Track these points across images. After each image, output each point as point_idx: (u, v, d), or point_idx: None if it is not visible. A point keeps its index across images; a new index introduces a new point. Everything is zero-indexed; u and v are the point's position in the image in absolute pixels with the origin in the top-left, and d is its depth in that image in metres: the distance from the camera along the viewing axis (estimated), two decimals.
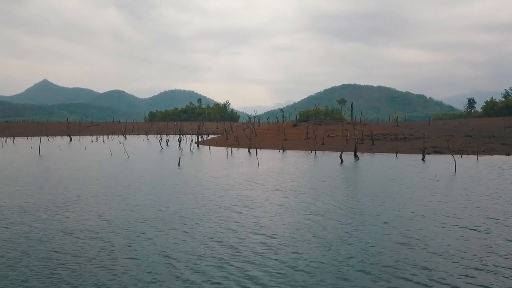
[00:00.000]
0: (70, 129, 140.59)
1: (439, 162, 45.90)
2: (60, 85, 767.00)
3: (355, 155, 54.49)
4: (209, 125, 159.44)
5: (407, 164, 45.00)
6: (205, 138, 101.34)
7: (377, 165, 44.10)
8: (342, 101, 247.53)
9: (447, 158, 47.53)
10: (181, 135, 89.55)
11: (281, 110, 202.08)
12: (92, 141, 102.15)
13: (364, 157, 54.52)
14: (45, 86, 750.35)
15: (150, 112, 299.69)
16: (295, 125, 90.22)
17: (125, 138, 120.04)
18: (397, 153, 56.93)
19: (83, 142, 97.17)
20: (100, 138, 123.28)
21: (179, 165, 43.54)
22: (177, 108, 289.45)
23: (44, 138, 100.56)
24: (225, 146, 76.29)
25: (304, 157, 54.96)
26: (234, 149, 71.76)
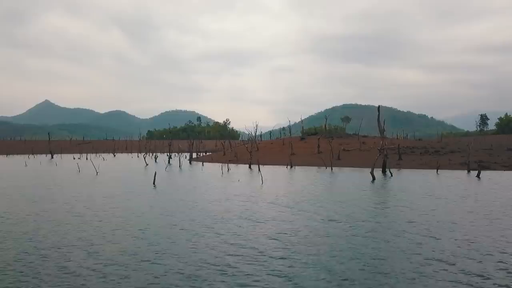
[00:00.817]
0: (61, 147, 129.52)
1: (504, 180, 33.95)
2: (62, 105, 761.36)
3: (384, 171, 42.61)
4: (208, 143, 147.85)
5: (461, 182, 33.10)
6: (202, 155, 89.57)
7: (424, 184, 32.13)
8: (346, 119, 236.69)
9: (504, 175, 35.74)
10: (171, 152, 77.70)
11: (283, 128, 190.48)
12: (74, 158, 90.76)
13: (396, 174, 42.49)
14: (46, 106, 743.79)
15: (148, 131, 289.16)
16: (302, 139, 78.58)
17: (114, 156, 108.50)
18: (437, 168, 44.83)
19: (64, 160, 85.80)
20: (88, 156, 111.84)
21: (154, 183, 31.68)
22: (176, 127, 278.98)
23: (25, 156, 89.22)
24: (222, 162, 64.60)
25: (320, 174, 43.08)
26: (232, 166, 59.97)
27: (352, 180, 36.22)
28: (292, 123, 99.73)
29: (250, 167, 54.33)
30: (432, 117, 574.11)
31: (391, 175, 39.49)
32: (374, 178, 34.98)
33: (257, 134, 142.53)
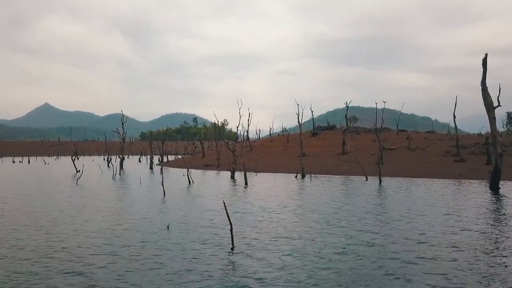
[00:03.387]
0: (33, 148, 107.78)
1: None
2: (62, 109, 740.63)
3: (496, 186, 20.03)
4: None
5: None
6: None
7: None
8: (353, 119, 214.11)
9: None
10: (142, 155, 54.50)
11: (285, 129, 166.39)
12: (13, 162, 68.90)
13: None
14: (46, 109, 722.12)
15: (142, 132, 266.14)
16: (315, 134, 55.90)
17: (77, 158, 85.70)
18: None
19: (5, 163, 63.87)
20: (48, 158, 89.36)
21: None
22: (171, 128, 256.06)
23: None
24: (196, 168, 42.19)
25: (390, 199, 20.34)
26: (210, 172, 37.66)
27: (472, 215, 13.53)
28: (293, 126, 76.93)
29: (232, 176, 31.53)
30: (436, 120, 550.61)
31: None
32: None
33: (250, 132, 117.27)
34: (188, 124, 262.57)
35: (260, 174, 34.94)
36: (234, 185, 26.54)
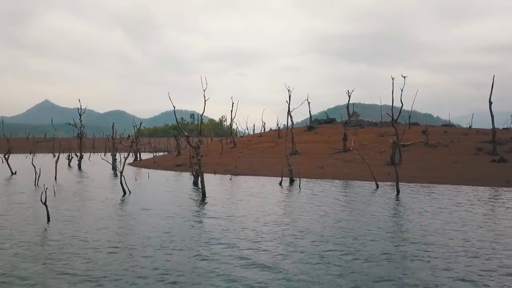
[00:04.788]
0: (16, 145, 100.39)
1: None
2: (62, 105, 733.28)
3: None
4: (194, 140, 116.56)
5: None
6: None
7: None
8: (355, 115, 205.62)
9: None
10: (115, 153, 46.58)
11: (282, 125, 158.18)
12: None
13: None
14: (46, 106, 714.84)
15: (138, 129, 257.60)
16: (311, 129, 47.55)
17: (54, 156, 77.81)
18: None
19: None
20: (19, 156, 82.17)
21: None
22: (167, 125, 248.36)
23: None
24: (165, 169, 34.44)
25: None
26: (176, 175, 29.74)
27: None
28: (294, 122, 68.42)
29: (196, 181, 23.36)
30: (437, 116, 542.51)
31: None
32: None
33: (244, 127, 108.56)
34: (185, 120, 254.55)
35: (237, 178, 26.87)
36: (185, 198, 18.45)
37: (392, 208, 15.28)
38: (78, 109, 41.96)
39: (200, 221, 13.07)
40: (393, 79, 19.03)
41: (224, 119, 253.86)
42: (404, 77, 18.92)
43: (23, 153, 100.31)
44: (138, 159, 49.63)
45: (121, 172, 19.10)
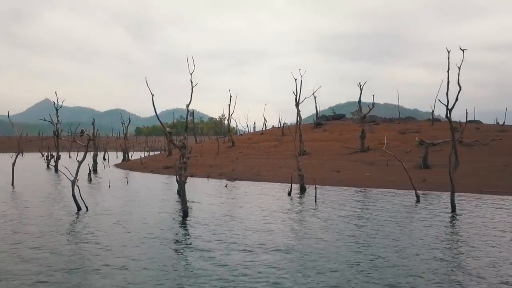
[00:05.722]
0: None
1: None
2: (62, 104, 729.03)
3: None
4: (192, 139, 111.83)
5: None
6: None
7: None
8: (357, 113, 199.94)
9: None
10: (96, 153, 41.15)
11: (285, 123, 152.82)
12: None
13: None
14: (46, 105, 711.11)
15: (137, 127, 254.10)
16: (318, 125, 42.35)
17: (42, 155, 72.88)
18: None
19: None
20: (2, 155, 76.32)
21: None
22: (166, 123, 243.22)
23: None
24: (152, 172, 29.38)
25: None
26: (162, 178, 24.59)
27: None
28: (294, 121, 63.07)
29: (180, 193, 18.18)
30: (439, 115, 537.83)
31: None
32: None
33: (245, 126, 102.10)
34: (184, 118, 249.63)
35: (234, 185, 21.81)
36: (158, 219, 13.38)
37: (467, 239, 10.20)
38: (54, 103, 36.95)
39: (165, 273, 7.97)
40: (449, 52, 13.88)
41: (224, 117, 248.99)
42: (463, 50, 13.79)
43: (13, 152, 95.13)
44: (127, 160, 44.53)
45: (74, 182, 13.88)
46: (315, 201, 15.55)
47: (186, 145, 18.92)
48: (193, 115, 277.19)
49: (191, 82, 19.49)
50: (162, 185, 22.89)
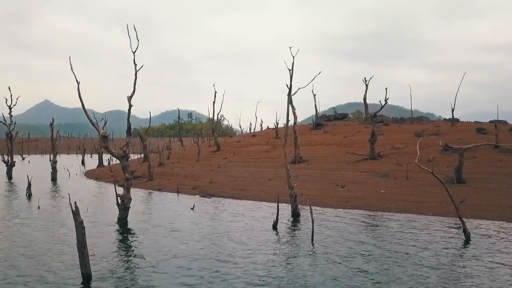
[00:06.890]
0: None
1: None
2: (61, 105, 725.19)
3: None
4: (187, 141, 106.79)
5: None
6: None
7: None
8: (358, 114, 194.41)
9: None
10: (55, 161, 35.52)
11: (277, 122, 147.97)
12: None
13: None
14: (45, 106, 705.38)
15: (134, 129, 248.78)
16: (318, 126, 36.86)
17: (22, 159, 67.56)
18: None
19: None
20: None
21: None
22: (164, 124, 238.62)
23: None
24: (118, 181, 23.78)
25: None
26: (135, 192, 18.96)
27: None
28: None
29: (120, 222, 12.64)
30: (440, 116, 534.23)
31: None
32: None
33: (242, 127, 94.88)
34: (182, 119, 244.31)
35: (206, 204, 16.45)
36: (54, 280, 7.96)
37: None
38: (6, 100, 31.76)
39: None
40: None
41: (222, 118, 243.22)
42: None
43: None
44: (102, 165, 39.03)
45: None
46: (312, 242, 10.18)
47: (128, 154, 13.66)
48: (191, 116, 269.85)
49: (135, 65, 14.16)
50: (93, 207, 17.25)
